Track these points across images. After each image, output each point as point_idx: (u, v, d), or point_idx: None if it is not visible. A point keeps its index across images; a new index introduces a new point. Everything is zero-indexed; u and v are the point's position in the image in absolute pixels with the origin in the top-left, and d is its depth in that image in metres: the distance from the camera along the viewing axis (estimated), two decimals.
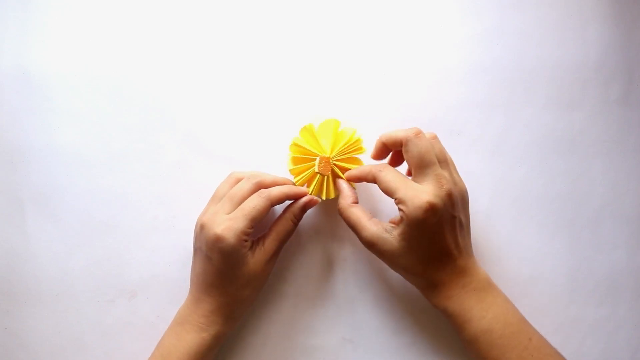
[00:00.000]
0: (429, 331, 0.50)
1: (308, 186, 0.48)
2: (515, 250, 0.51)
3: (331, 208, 0.51)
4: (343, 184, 0.47)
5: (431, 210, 0.41)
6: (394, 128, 0.46)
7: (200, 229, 0.44)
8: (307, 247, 0.51)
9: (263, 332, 0.50)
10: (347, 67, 0.52)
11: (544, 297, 0.50)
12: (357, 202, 0.46)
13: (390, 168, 0.44)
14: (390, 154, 0.48)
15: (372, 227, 0.44)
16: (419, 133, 0.43)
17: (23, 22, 0.52)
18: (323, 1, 0.52)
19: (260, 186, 0.46)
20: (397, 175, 0.43)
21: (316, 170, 0.47)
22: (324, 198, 0.48)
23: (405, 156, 0.44)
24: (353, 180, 0.47)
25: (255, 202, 0.44)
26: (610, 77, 0.52)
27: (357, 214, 0.45)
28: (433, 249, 0.43)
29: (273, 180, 0.47)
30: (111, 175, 0.51)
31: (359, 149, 0.48)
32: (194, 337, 0.44)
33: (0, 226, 0.51)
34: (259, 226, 0.46)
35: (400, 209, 0.43)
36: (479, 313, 0.43)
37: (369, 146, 0.48)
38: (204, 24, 0.52)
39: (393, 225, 0.43)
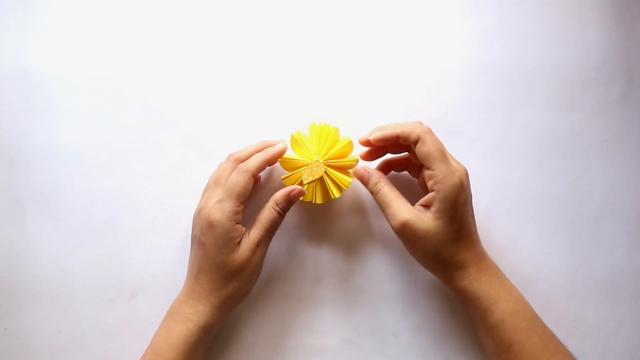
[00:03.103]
0: (429, 331, 0.50)
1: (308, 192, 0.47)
2: (515, 250, 0.51)
3: (333, 208, 0.51)
4: (363, 169, 0.46)
5: (462, 188, 0.42)
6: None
7: (197, 216, 0.45)
8: (307, 247, 0.51)
9: (263, 332, 0.50)
10: (347, 67, 0.52)
11: (544, 297, 0.50)
12: (385, 180, 0.46)
13: (433, 134, 0.44)
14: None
15: (407, 206, 0.44)
16: (430, 129, 0.44)
17: (23, 22, 0.52)
18: (323, 2, 0.52)
19: (239, 161, 0.46)
20: (440, 145, 0.43)
21: (306, 182, 0.46)
22: (331, 197, 0.46)
23: (421, 150, 0.43)
24: (387, 139, 0.45)
25: (236, 179, 0.44)
26: (610, 77, 0.52)
27: (392, 194, 0.45)
28: (464, 227, 0.43)
29: (249, 151, 0.47)
30: (111, 175, 0.51)
31: (346, 143, 0.47)
32: (181, 328, 0.44)
33: (0, 226, 0.51)
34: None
35: (433, 185, 0.42)
36: (505, 295, 0.43)
37: (357, 145, 0.48)
38: (203, 25, 0.52)
39: (424, 206, 0.43)
